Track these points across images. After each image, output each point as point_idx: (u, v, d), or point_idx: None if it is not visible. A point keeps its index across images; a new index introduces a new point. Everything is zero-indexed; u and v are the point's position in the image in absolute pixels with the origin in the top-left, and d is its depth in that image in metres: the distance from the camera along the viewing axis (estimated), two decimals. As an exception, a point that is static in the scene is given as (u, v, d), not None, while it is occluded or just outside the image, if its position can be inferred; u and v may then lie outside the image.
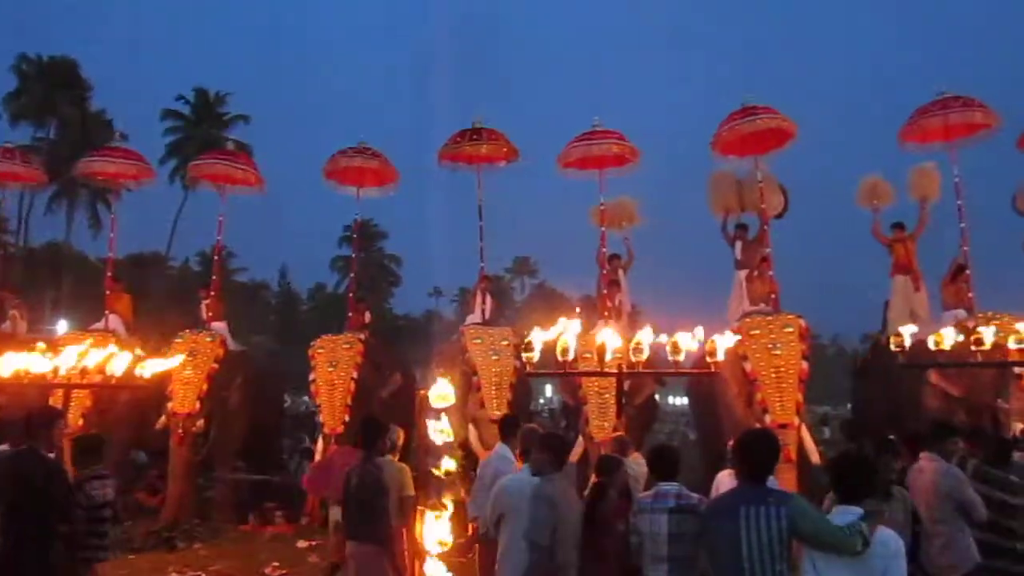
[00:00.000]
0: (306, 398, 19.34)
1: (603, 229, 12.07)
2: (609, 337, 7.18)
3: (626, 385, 9.50)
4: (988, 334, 7.83)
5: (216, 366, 11.46)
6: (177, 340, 11.41)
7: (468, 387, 10.59)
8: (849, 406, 15.65)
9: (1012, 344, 7.93)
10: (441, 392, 5.82)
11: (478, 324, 11.57)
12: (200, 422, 11.24)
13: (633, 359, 7.28)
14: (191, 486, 11.45)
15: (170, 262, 38.83)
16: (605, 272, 12.01)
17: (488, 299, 12.42)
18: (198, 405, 11.15)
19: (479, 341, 10.69)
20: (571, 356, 7.07)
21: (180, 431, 10.99)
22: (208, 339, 11.64)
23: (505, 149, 12.53)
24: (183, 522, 10.63)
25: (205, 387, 11.27)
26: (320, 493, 8.69)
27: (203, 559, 9.33)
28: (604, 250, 12.11)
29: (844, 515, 3.69)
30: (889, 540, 3.64)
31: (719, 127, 11.15)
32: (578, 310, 7.72)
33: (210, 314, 12.62)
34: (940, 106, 10.89)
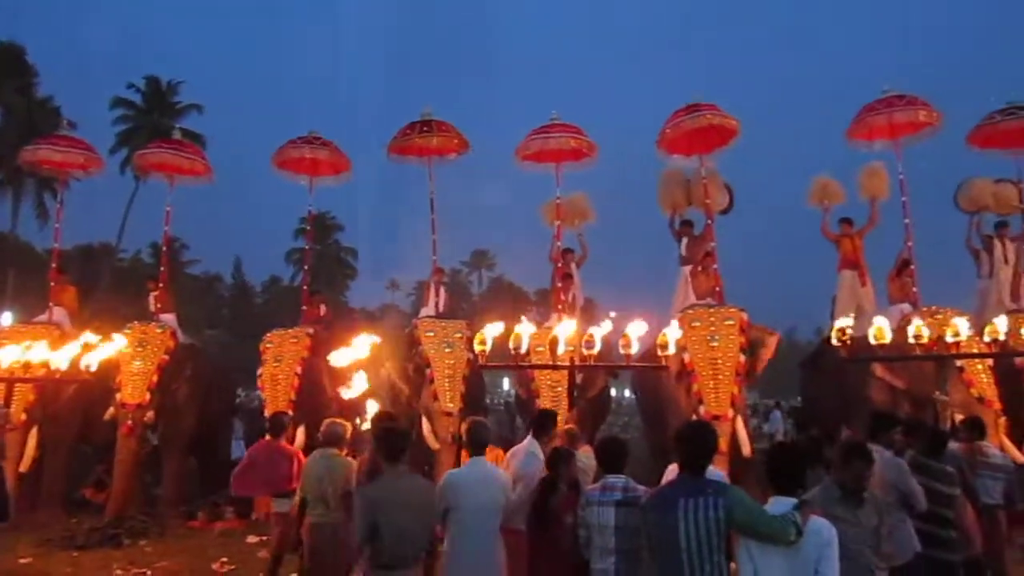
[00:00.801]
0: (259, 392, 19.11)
1: (557, 224, 12.08)
2: (562, 330, 7.22)
3: (578, 378, 9.65)
4: (927, 328, 8.03)
5: (167, 358, 11.29)
6: (125, 331, 11.21)
7: (422, 380, 10.59)
8: (799, 399, 15.93)
9: (949, 338, 8.15)
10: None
11: (431, 317, 11.53)
12: (150, 414, 11.05)
13: (585, 352, 7.34)
14: (138, 481, 11.26)
15: (121, 253, 38.07)
16: (559, 266, 12.05)
17: (442, 292, 12.42)
18: (148, 396, 10.96)
19: (432, 334, 10.66)
20: (524, 349, 7.11)
21: (129, 423, 10.78)
22: (158, 330, 11.46)
23: (456, 141, 12.49)
24: (129, 518, 10.43)
25: (155, 378, 11.09)
26: (246, 491, 8.53)
27: (149, 556, 9.17)
28: (558, 243, 12.12)
29: (779, 505, 3.77)
30: (822, 529, 3.73)
31: (664, 124, 11.25)
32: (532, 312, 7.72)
33: (159, 306, 12.44)
34: (885, 104, 11.12)
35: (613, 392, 14.13)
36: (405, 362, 11.01)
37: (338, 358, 6.90)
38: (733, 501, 3.70)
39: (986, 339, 8.52)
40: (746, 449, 9.21)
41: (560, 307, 11.57)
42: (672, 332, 7.19)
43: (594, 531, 4.62)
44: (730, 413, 9.24)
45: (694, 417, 9.02)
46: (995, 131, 11.58)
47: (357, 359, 7.15)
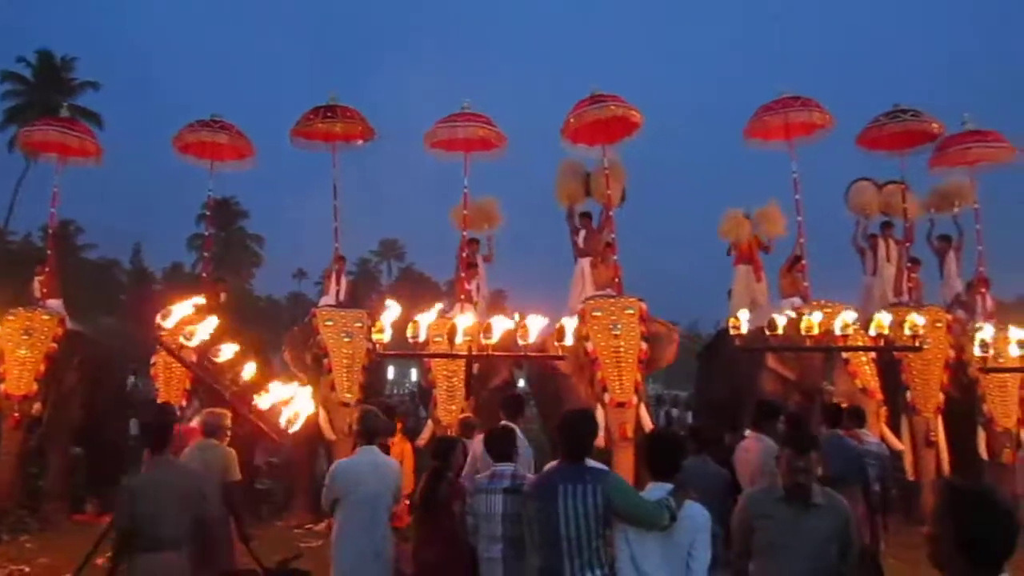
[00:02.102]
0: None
1: (464, 232, 12.04)
2: (460, 320, 7.22)
3: (475, 368, 9.70)
4: (817, 320, 8.35)
5: (55, 346, 10.72)
6: (9, 318, 10.65)
7: (319, 370, 10.45)
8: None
9: (838, 330, 8.50)
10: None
11: (331, 306, 11.36)
12: (37, 405, 10.53)
13: (484, 342, 7.36)
14: (20, 474, 10.73)
15: (10, 236, 36.22)
16: (464, 255, 12.02)
17: (343, 280, 12.24)
18: (35, 387, 10.44)
19: (331, 323, 10.50)
20: (422, 338, 7.08)
21: (16, 414, 10.25)
22: (45, 317, 10.90)
23: (361, 127, 12.30)
24: (9, 513, 9.95)
25: (43, 368, 10.55)
26: None
27: (29, 552, 8.79)
28: (464, 255, 12.01)
29: (655, 491, 3.86)
30: (696, 514, 3.84)
31: (568, 114, 11.35)
32: (440, 305, 7.66)
33: (44, 291, 11.83)
34: (781, 105, 11.49)
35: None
36: (303, 351, 10.83)
37: (224, 349, 6.71)
38: (611, 487, 3.78)
39: (871, 333, 8.98)
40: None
41: (463, 296, 11.55)
42: (570, 323, 7.27)
43: (482, 519, 4.66)
44: (634, 399, 9.48)
45: (598, 406, 9.21)
46: (881, 133, 12.07)
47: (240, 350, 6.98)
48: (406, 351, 7.50)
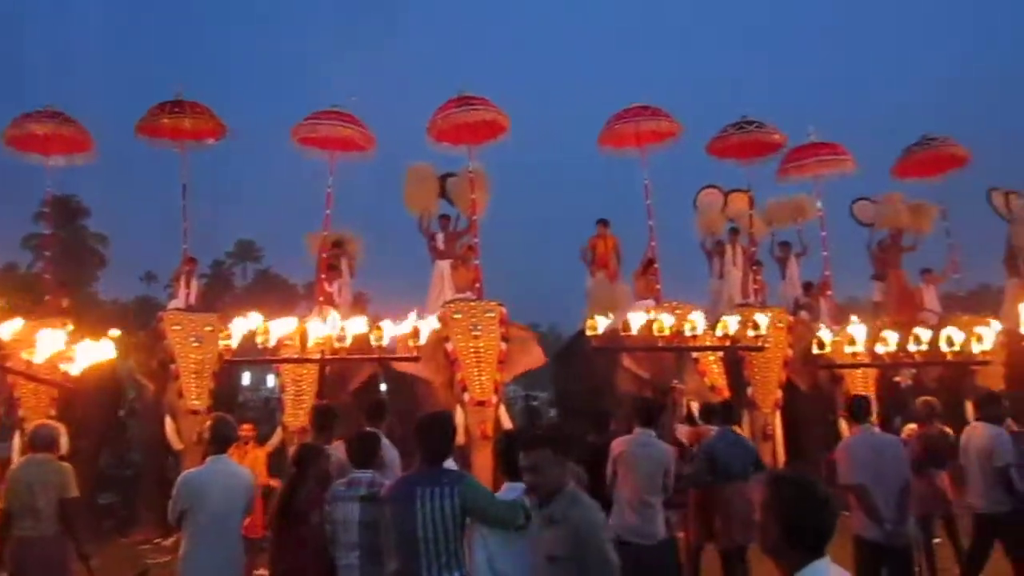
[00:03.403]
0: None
1: (323, 256, 11.81)
2: (312, 324, 7.09)
3: (328, 371, 9.56)
4: (668, 321, 8.69)
5: None
6: None
7: (166, 376, 10.00)
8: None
9: (688, 331, 8.88)
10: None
11: (180, 309, 10.90)
12: None
13: (337, 345, 7.26)
14: None
15: None
16: (324, 257, 11.77)
17: (194, 283, 11.77)
18: None
19: (179, 327, 10.03)
20: (272, 343, 6.91)
21: None
22: None
23: (211, 124, 11.86)
24: None
25: None
26: None
27: None
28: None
29: (511, 491, 3.90)
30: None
31: (434, 115, 11.36)
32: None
33: None
34: (632, 114, 11.96)
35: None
36: (149, 357, 10.31)
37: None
38: (467, 489, 3.78)
39: (718, 333, 9.44)
40: None
41: (322, 299, 11.31)
42: (425, 325, 7.29)
43: (339, 527, 4.56)
44: (493, 399, 9.59)
45: (458, 407, 9.23)
46: (729, 143, 12.73)
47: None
48: (259, 357, 7.28)
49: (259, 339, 6.84)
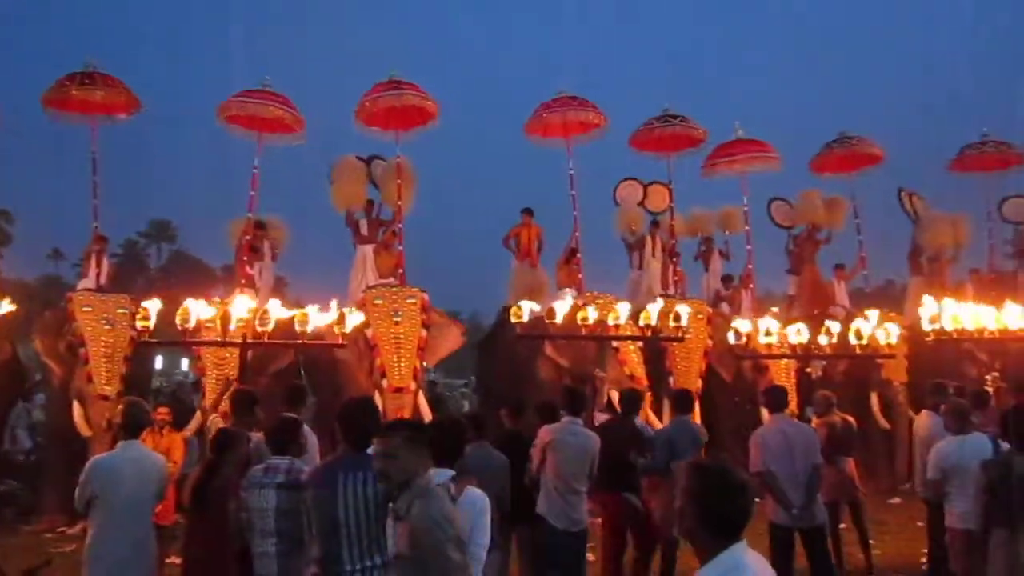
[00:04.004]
0: None
1: (246, 239, 11.50)
2: (234, 306, 6.93)
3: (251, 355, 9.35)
4: (592, 311, 8.79)
5: None
6: None
7: (75, 360, 9.64)
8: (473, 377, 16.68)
9: (611, 321, 9.00)
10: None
11: (90, 290, 10.48)
12: None
13: (259, 329, 7.13)
14: None
15: None
16: (247, 239, 11.50)
17: (105, 262, 11.33)
18: None
19: (89, 309, 9.66)
20: (191, 325, 6.73)
21: None
22: None
23: (124, 98, 11.42)
24: None
25: None
26: None
27: None
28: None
29: (436, 476, 3.88)
30: (476, 499, 3.91)
31: (363, 97, 11.20)
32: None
33: None
34: (560, 104, 12.02)
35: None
36: (56, 339, 9.90)
37: None
38: None
39: (641, 323, 9.60)
40: (427, 420, 9.47)
41: (244, 282, 11.06)
42: (350, 312, 7.20)
43: (255, 514, 4.47)
44: (412, 386, 9.59)
45: (377, 393, 9.15)
46: (651, 136, 12.91)
47: None
48: (175, 340, 7.07)
49: (178, 321, 6.63)
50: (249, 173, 11.68)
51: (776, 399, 6.47)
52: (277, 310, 6.97)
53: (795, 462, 6.02)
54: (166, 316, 6.97)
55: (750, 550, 2.35)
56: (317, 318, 7.34)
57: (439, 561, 3.25)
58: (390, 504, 3.52)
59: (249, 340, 6.85)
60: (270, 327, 7.02)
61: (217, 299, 8.52)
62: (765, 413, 10.93)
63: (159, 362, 27.06)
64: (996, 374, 10.77)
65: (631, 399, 7.66)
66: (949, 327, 10.14)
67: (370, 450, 3.92)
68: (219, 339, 7.23)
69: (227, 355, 9.49)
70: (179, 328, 6.64)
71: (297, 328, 7.04)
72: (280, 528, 4.39)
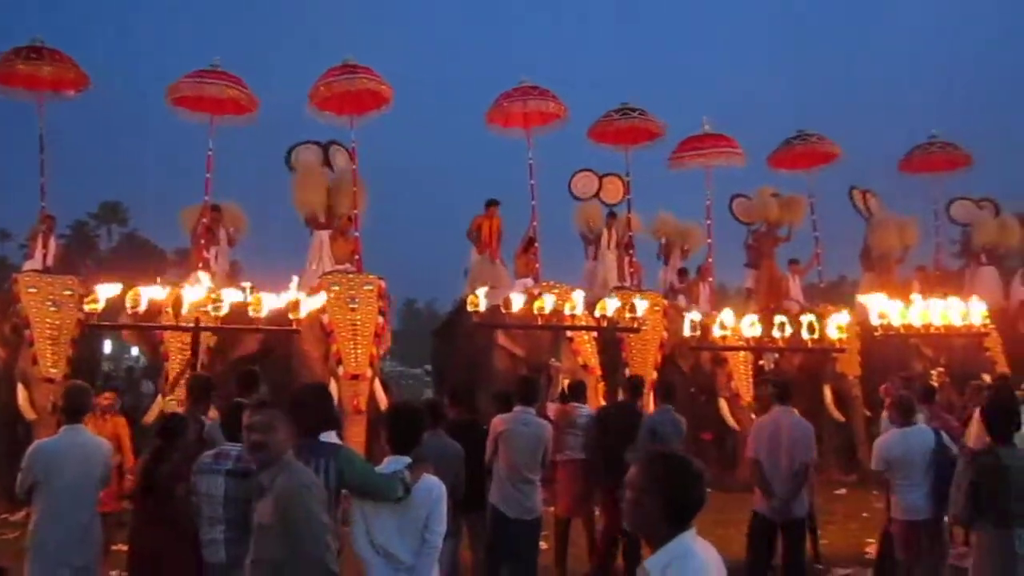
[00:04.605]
0: None
1: (203, 222, 11.28)
2: (187, 290, 6.82)
3: (214, 341, 9.25)
4: (549, 301, 8.80)
5: None
6: None
7: (20, 341, 9.44)
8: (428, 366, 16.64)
9: (567, 311, 9.02)
10: None
11: (36, 271, 10.23)
12: None
13: (214, 314, 7.05)
14: None
15: None
16: (204, 222, 11.28)
17: (52, 243, 11.04)
18: None
19: (35, 290, 9.41)
20: (141, 309, 6.61)
21: None
22: None
23: (72, 74, 11.13)
24: None
25: None
26: None
27: None
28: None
29: (393, 464, 3.87)
30: (432, 487, 3.89)
31: (316, 82, 11.05)
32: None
33: None
34: (521, 93, 11.99)
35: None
36: (2, 321, 9.66)
37: None
38: (343, 462, 3.72)
39: (596, 314, 9.65)
40: (384, 407, 9.42)
41: (201, 265, 10.88)
42: (305, 297, 7.13)
43: (203, 500, 4.39)
44: (369, 372, 9.51)
45: (332, 380, 9.07)
46: (609, 128, 12.97)
47: None
48: (124, 323, 6.94)
49: (127, 305, 6.50)
50: (202, 155, 11.45)
51: (781, 391, 6.57)
52: (232, 294, 6.87)
53: (782, 455, 6.14)
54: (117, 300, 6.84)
55: (698, 537, 2.40)
56: (271, 302, 7.26)
57: (310, 524, 3.29)
58: (258, 475, 3.48)
59: (201, 325, 6.74)
60: (223, 312, 6.93)
61: (176, 282, 8.39)
62: (723, 404, 11.48)
63: (108, 347, 26.53)
64: (941, 369, 11.09)
65: (578, 389, 7.78)
66: (897, 323, 10.43)
67: (323, 436, 3.89)
68: (172, 324, 7.10)
69: (190, 340, 9.32)
70: (128, 312, 6.52)
71: (251, 313, 6.96)
72: (228, 516, 4.31)
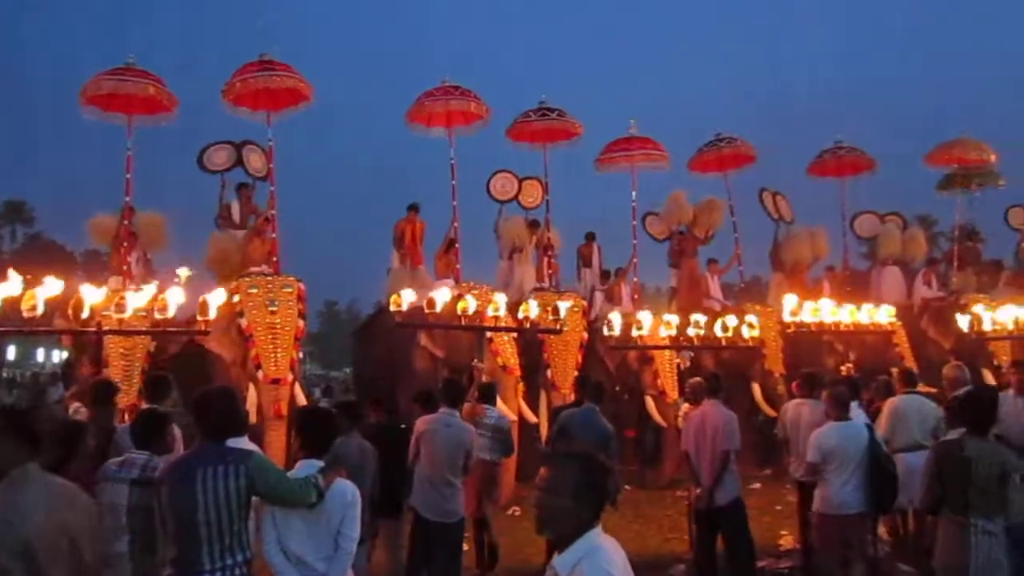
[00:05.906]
0: None
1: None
2: (86, 291, 6.56)
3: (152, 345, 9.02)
4: (472, 303, 8.78)
5: None
6: None
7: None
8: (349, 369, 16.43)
9: (490, 312, 9.02)
10: None
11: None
12: None
13: (158, 316, 6.90)
14: None
15: None
16: (125, 224, 10.83)
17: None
18: None
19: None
20: (39, 312, 6.31)
21: None
22: None
23: None
24: None
25: None
26: None
27: None
28: (126, 266, 10.73)
29: (305, 468, 3.79)
30: (346, 491, 3.82)
31: (232, 77, 10.73)
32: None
33: None
34: (443, 92, 11.89)
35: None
36: None
37: None
38: (254, 468, 3.57)
39: (519, 316, 9.66)
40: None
41: (126, 268, 10.51)
42: (213, 298, 6.95)
43: (106, 509, 4.21)
44: (289, 377, 9.29)
45: (251, 384, 8.86)
46: (527, 128, 13.00)
47: None
48: (22, 327, 6.61)
49: (24, 307, 6.19)
50: (114, 156, 10.96)
51: (712, 384, 6.94)
52: (135, 296, 6.65)
53: (707, 445, 6.46)
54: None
55: (603, 533, 2.43)
56: (177, 301, 7.06)
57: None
58: None
59: (103, 328, 6.49)
60: (127, 314, 6.71)
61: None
62: (649, 401, 11.70)
63: (10, 352, 25.42)
64: (850, 364, 11.48)
65: (488, 391, 7.81)
66: (809, 320, 10.77)
67: (229, 442, 3.74)
68: (74, 328, 6.83)
69: (133, 344, 9.03)
70: (24, 315, 6.20)
71: (157, 316, 6.75)
72: (133, 526, 4.17)
